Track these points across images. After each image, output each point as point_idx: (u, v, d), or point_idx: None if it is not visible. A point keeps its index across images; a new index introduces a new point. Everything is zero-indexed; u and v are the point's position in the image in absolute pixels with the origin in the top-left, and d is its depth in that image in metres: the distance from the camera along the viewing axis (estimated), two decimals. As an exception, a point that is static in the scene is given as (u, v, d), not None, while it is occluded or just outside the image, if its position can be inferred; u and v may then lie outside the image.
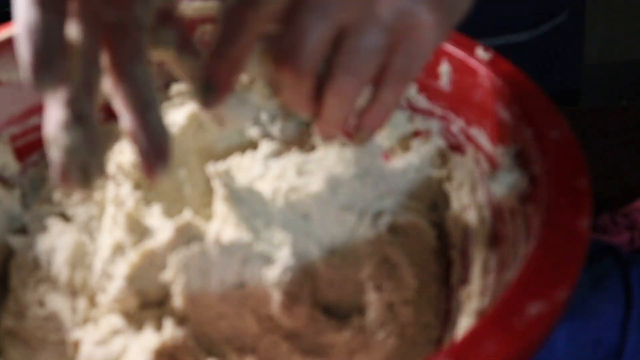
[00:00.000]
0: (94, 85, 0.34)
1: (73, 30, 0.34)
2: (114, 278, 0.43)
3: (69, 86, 0.33)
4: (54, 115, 0.33)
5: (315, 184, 0.46)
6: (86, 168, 0.33)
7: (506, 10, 0.71)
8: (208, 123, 0.52)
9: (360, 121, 0.40)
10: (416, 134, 0.51)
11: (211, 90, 0.36)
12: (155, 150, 0.34)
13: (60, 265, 0.45)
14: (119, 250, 0.45)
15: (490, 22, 0.70)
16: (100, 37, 0.35)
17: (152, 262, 0.43)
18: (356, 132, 0.40)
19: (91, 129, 0.33)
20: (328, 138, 0.40)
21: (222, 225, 0.45)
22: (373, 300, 0.43)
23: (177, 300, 0.42)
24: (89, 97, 0.34)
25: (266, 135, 0.55)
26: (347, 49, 0.35)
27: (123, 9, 0.35)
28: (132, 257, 0.43)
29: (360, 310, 0.44)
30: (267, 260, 0.43)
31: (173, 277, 0.43)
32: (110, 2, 0.35)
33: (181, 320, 0.43)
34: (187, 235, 0.44)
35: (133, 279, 0.43)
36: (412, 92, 0.50)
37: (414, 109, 0.51)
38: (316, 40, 0.35)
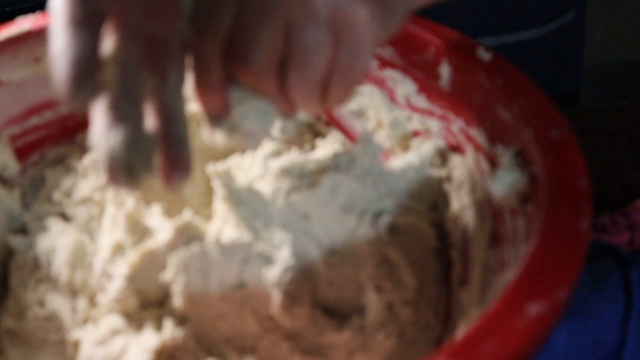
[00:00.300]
0: (135, 92, 0.35)
1: (111, 42, 0.35)
2: (114, 278, 0.43)
3: (109, 95, 0.34)
4: (97, 123, 0.34)
5: (315, 184, 0.46)
6: (131, 167, 0.34)
7: (516, 7, 0.71)
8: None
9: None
10: (416, 133, 0.51)
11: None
12: (176, 161, 0.35)
13: (60, 265, 0.45)
14: (119, 250, 0.45)
15: (500, 19, 0.71)
16: (141, 47, 0.35)
17: (152, 262, 0.43)
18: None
19: (134, 130, 0.34)
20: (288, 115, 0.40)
21: (222, 225, 0.45)
22: (373, 300, 0.43)
23: (177, 300, 0.42)
24: (130, 102, 0.34)
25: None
26: (294, 47, 0.36)
27: (165, 22, 0.36)
28: (132, 257, 0.43)
29: (360, 310, 0.44)
30: (267, 260, 0.43)
31: (173, 277, 0.43)
32: (153, 15, 0.36)
33: (181, 320, 0.43)
34: (187, 236, 0.44)
35: (133, 279, 0.43)
36: (412, 92, 0.50)
37: (413, 109, 0.51)
38: (266, 41, 0.36)
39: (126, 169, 0.33)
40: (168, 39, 0.36)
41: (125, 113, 0.34)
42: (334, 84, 0.38)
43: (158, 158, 0.35)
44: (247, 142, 0.40)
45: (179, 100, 0.36)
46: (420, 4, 0.41)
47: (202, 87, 0.38)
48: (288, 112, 0.40)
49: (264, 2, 0.36)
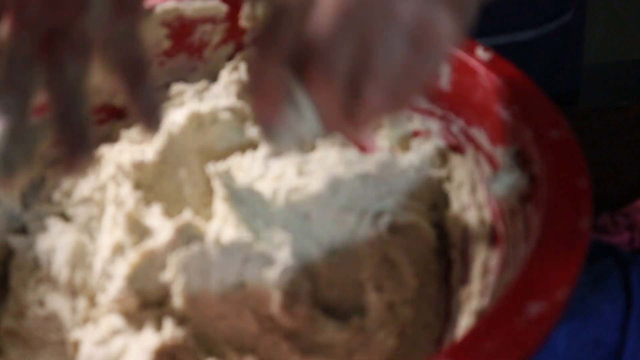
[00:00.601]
0: (22, 83, 0.35)
1: (4, 35, 0.35)
2: (114, 278, 0.43)
3: None
4: None
5: (315, 184, 0.46)
6: (7, 160, 0.33)
7: (513, 8, 0.71)
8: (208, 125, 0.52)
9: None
10: (416, 133, 0.51)
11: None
12: (76, 143, 0.35)
13: (60, 265, 0.45)
14: (119, 250, 0.45)
15: (497, 20, 0.71)
16: (36, 41, 0.35)
17: (152, 262, 0.43)
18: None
19: (14, 122, 0.34)
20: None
21: (222, 225, 0.45)
22: (373, 300, 0.43)
23: (177, 300, 0.42)
24: (14, 94, 0.34)
25: (266, 135, 0.55)
26: (373, 58, 0.35)
27: (67, 15, 0.36)
28: (132, 257, 0.43)
29: (360, 310, 0.44)
30: (267, 260, 0.43)
31: (173, 277, 0.43)
32: (53, 9, 0.35)
33: (181, 320, 0.43)
34: (187, 236, 0.44)
35: (133, 279, 0.43)
36: (412, 92, 0.50)
37: (414, 109, 0.51)
38: (346, 49, 0.34)
39: (2, 162, 0.33)
40: (69, 32, 0.35)
41: (6, 105, 0.34)
42: (402, 86, 0.36)
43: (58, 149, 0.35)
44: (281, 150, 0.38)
45: (77, 91, 0.36)
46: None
47: (259, 93, 0.36)
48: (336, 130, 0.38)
49: (344, 6, 0.34)
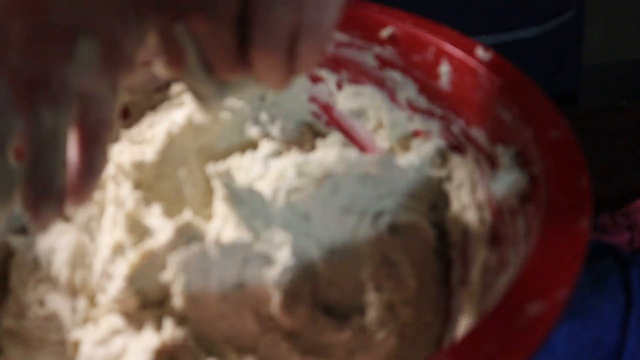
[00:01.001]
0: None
1: None
2: (114, 278, 0.43)
3: None
4: None
5: (315, 184, 0.46)
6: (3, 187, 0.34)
7: (514, 6, 0.71)
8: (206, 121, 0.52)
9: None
10: (416, 134, 0.51)
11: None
12: (42, 193, 0.35)
13: (60, 265, 0.45)
14: (119, 250, 0.45)
15: (498, 17, 0.71)
16: (16, 89, 0.35)
17: (152, 262, 0.43)
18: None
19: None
20: (279, 87, 0.39)
21: (222, 225, 0.45)
22: (373, 300, 0.43)
23: (177, 300, 0.42)
24: None
25: (266, 135, 0.55)
26: (257, 5, 0.35)
27: (49, 64, 0.35)
28: (132, 257, 0.43)
29: (361, 310, 0.44)
30: (267, 260, 0.43)
31: (173, 277, 0.43)
32: (36, 57, 0.35)
33: (181, 320, 0.43)
34: (187, 236, 0.44)
35: (133, 279, 0.43)
36: (412, 92, 0.50)
37: (414, 109, 0.51)
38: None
39: None
40: (49, 81, 0.35)
41: None
42: (303, 42, 0.36)
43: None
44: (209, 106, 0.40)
45: (52, 141, 0.35)
46: None
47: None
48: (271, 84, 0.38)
49: None
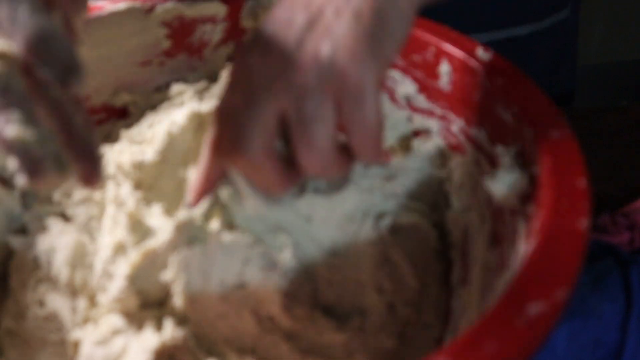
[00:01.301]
0: (21, 98, 0.34)
1: None
2: (114, 277, 0.43)
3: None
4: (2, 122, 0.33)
5: (316, 185, 0.46)
6: (59, 157, 0.33)
7: (509, 3, 0.71)
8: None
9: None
10: (416, 134, 0.51)
11: None
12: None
13: (60, 265, 0.45)
14: (119, 249, 0.44)
15: (493, 15, 0.71)
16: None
17: (153, 262, 0.43)
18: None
19: (40, 128, 0.34)
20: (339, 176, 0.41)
21: (223, 226, 0.45)
22: (374, 301, 0.43)
23: (177, 300, 0.42)
24: (21, 108, 0.34)
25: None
26: (294, 128, 0.38)
27: None
28: (133, 256, 0.43)
29: (361, 311, 0.44)
30: (268, 261, 0.43)
31: (174, 277, 0.43)
32: None
33: (181, 320, 0.43)
34: (188, 235, 0.44)
35: (134, 279, 0.43)
36: (412, 92, 0.50)
37: (414, 109, 0.51)
38: (258, 131, 0.38)
39: (56, 160, 0.33)
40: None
41: (25, 115, 0.34)
42: (352, 138, 0.38)
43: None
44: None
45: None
46: (414, 8, 0.40)
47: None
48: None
49: (251, 93, 0.38)
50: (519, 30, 0.73)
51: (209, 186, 0.42)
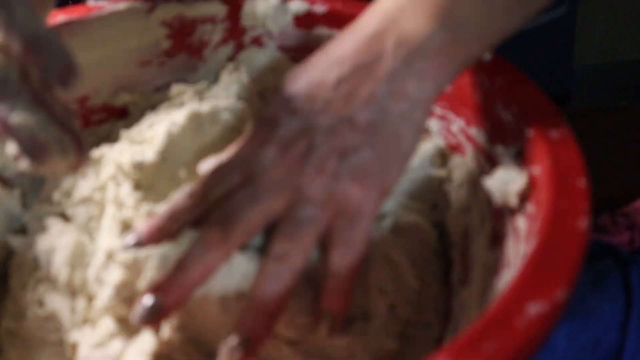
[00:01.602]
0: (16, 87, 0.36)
1: None
2: (104, 285, 0.43)
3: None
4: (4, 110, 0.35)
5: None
6: (62, 141, 0.35)
7: None
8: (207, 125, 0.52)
9: (320, 306, 0.41)
10: (416, 134, 0.51)
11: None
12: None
13: (59, 266, 0.45)
14: (112, 256, 0.44)
15: None
16: None
17: (144, 274, 0.42)
18: (319, 324, 0.41)
19: (42, 113, 0.35)
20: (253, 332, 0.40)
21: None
22: (376, 302, 0.43)
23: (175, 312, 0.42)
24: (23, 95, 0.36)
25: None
26: (284, 224, 0.39)
27: None
28: (125, 266, 0.42)
29: (363, 312, 0.44)
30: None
31: None
32: None
33: (179, 326, 0.42)
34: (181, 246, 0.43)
35: (123, 288, 0.42)
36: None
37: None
38: (246, 220, 0.39)
39: (59, 143, 0.35)
40: None
41: (25, 102, 0.36)
42: (334, 251, 0.40)
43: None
44: None
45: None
46: (426, 115, 0.42)
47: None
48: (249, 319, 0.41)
49: (256, 188, 0.40)
50: None
51: (162, 236, 0.41)
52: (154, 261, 0.42)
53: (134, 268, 0.42)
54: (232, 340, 0.38)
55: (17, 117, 0.34)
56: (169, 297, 0.38)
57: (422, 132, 0.42)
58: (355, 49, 0.42)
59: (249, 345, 0.38)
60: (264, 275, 0.40)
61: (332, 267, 0.41)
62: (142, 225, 0.42)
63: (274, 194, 0.40)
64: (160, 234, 0.41)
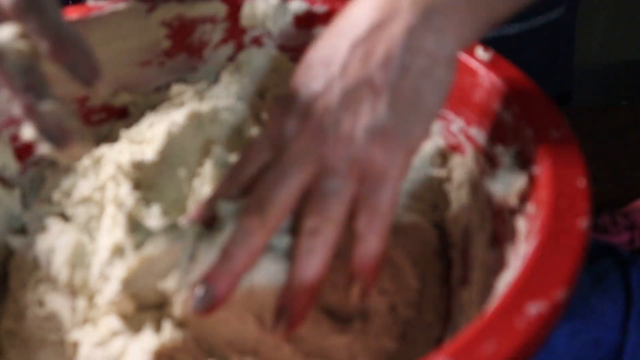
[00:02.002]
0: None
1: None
2: (110, 280, 0.43)
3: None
4: (25, 100, 0.37)
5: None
6: (82, 130, 0.38)
7: None
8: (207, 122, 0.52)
9: (351, 271, 0.41)
10: (416, 134, 0.51)
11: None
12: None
13: (59, 265, 0.45)
14: (117, 252, 0.44)
15: None
16: None
17: (151, 268, 0.43)
18: (351, 288, 0.42)
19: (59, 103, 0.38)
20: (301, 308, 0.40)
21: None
22: (376, 302, 0.43)
23: (177, 309, 0.42)
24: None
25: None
26: (312, 198, 0.40)
27: None
28: (131, 261, 0.43)
29: (363, 312, 0.44)
30: (270, 264, 0.43)
31: (175, 289, 0.42)
32: None
33: (180, 323, 0.42)
34: (189, 246, 0.43)
35: (130, 283, 0.42)
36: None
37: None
38: (279, 199, 0.39)
39: (79, 131, 0.37)
40: None
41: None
42: (361, 218, 0.40)
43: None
44: None
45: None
46: (451, 72, 0.41)
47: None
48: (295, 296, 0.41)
49: (283, 164, 0.40)
50: (507, 29, 0.72)
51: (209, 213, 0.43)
52: (164, 258, 0.42)
53: (147, 264, 0.43)
54: (274, 319, 0.40)
55: (47, 105, 0.37)
56: (219, 286, 0.39)
57: (447, 91, 0.41)
58: (370, 8, 0.41)
59: (290, 323, 0.40)
60: (299, 253, 0.40)
61: (360, 233, 0.40)
62: (190, 215, 0.44)
63: (299, 167, 0.40)
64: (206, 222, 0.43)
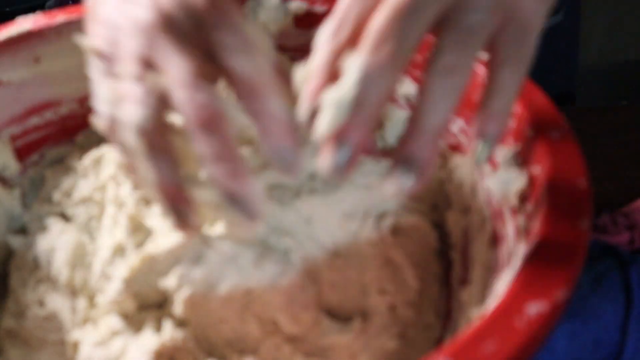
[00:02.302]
0: None
1: None
2: (112, 279, 0.43)
3: None
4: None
5: (317, 186, 0.46)
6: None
7: None
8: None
9: (480, 126, 0.37)
10: (416, 134, 0.51)
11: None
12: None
13: (60, 265, 0.45)
14: (119, 251, 0.44)
15: None
16: None
17: (153, 267, 0.43)
18: (477, 141, 0.38)
19: None
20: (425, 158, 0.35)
21: (225, 229, 0.44)
22: (376, 302, 0.43)
23: (178, 307, 0.42)
24: None
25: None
26: (451, 31, 0.34)
27: None
28: (133, 260, 0.43)
29: (363, 312, 0.44)
30: (271, 264, 0.43)
31: (176, 287, 0.42)
32: None
33: (181, 322, 0.43)
34: (190, 241, 0.43)
35: (131, 282, 0.43)
36: (412, 91, 0.50)
37: (414, 109, 0.50)
38: (413, 28, 0.34)
39: None
40: None
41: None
42: (504, 67, 0.36)
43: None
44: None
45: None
46: None
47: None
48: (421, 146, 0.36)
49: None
50: None
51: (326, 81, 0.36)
52: (165, 256, 0.43)
53: (149, 263, 0.43)
54: (399, 169, 0.35)
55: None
56: (355, 137, 0.34)
57: None
58: None
59: (420, 171, 0.35)
60: (430, 94, 0.35)
61: (500, 83, 0.36)
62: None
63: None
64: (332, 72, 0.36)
